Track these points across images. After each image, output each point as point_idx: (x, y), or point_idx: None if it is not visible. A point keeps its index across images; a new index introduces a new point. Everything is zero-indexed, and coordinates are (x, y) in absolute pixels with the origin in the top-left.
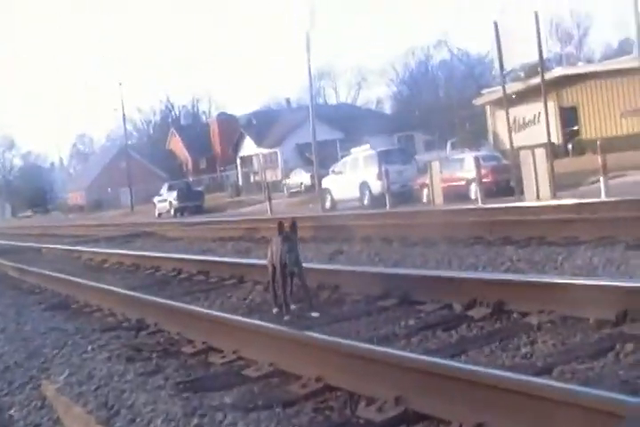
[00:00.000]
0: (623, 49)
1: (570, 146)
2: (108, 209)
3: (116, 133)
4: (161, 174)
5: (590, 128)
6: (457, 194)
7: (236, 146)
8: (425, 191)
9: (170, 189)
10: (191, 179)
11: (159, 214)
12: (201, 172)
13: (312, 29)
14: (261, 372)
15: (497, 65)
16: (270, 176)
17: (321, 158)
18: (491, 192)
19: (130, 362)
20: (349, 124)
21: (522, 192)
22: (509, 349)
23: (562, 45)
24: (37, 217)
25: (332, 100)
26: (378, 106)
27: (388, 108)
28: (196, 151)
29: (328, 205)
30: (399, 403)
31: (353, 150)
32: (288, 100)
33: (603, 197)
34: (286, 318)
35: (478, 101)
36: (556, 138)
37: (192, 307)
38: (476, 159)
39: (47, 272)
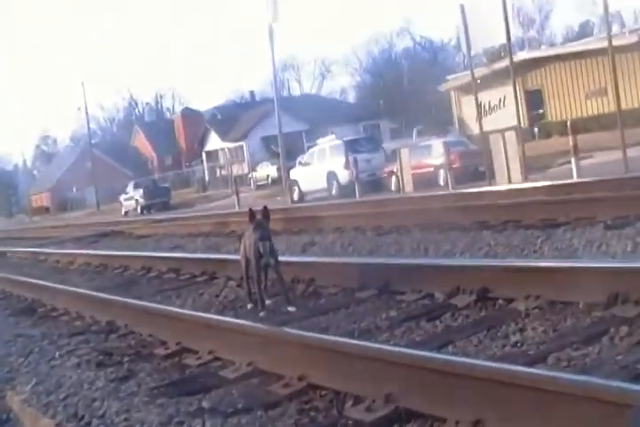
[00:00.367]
0: (584, 31)
1: (536, 129)
2: (74, 210)
3: (80, 133)
4: (126, 172)
5: (555, 111)
6: (425, 181)
7: (202, 141)
8: (393, 179)
9: (136, 186)
10: (157, 176)
11: (126, 213)
12: (167, 168)
13: (275, 21)
14: (240, 372)
15: (462, 50)
16: (237, 170)
17: (287, 150)
18: (460, 178)
19: (100, 368)
20: (314, 114)
21: (493, 176)
22: (498, 337)
23: (524, 30)
24: (1, 220)
25: (297, 92)
26: (342, 96)
27: (352, 98)
28: (161, 148)
29: (296, 196)
30: (389, 401)
31: (319, 141)
32: (252, 94)
33: (575, 179)
34: (262, 313)
35: (443, 88)
36: (522, 121)
37: (163, 306)
38: (445, 145)
39: (12, 276)
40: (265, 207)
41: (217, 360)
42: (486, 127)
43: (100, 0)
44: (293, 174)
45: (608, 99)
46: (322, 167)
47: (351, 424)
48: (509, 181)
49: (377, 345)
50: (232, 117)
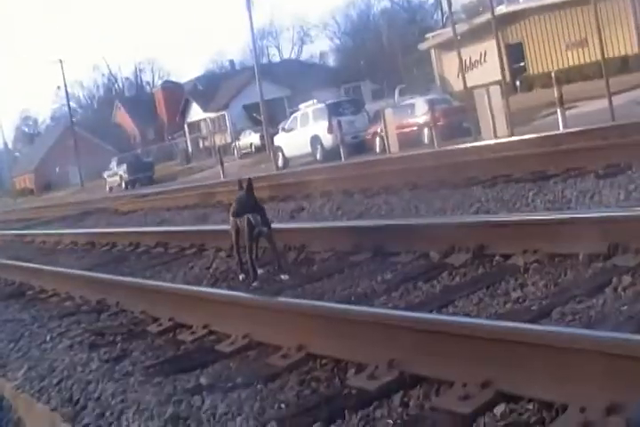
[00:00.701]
0: None
1: (518, 82)
2: (58, 189)
3: (61, 112)
4: (109, 149)
5: (537, 63)
6: (410, 140)
7: (183, 113)
8: (378, 140)
9: (119, 162)
10: (140, 150)
11: (110, 189)
12: (150, 142)
13: None
14: (236, 346)
15: (440, 7)
16: (220, 140)
17: (270, 117)
18: (445, 135)
19: (93, 349)
20: (295, 80)
21: (478, 132)
22: (499, 295)
23: None
24: None
25: (276, 59)
26: (322, 60)
27: (332, 62)
28: (142, 122)
29: (280, 163)
30: (392, 367)
31: (301, 106)
32: (232, 63)
33: (562, 129)
34: (255, 283)
35: (423, 46)
36: (504, 75)
37: (154, 282)
38: (430, 102)
39: None
40: (249, 179)
41: (212, 334)
42: (468, 83)
43: None
44: (276, 141)
45: (589, 49)
46: (305, 132)
47: (355, 393)
48: (495, 136)
49: (376, 309)
50: (213, 88)
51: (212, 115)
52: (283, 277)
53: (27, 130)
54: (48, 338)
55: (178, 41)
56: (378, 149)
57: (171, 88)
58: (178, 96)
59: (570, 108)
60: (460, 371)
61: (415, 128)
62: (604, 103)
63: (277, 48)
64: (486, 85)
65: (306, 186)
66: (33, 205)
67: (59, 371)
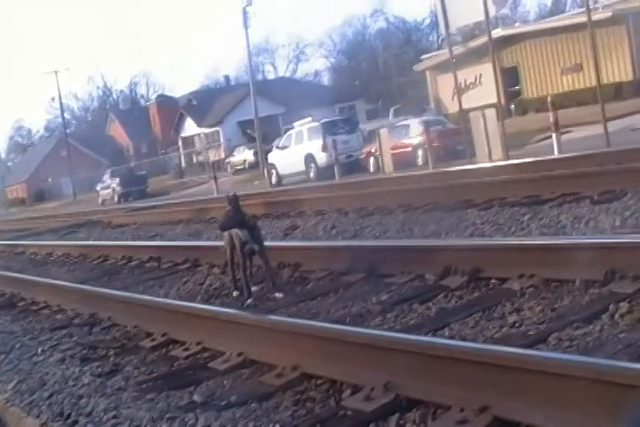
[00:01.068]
0: (557, 8)
1: (512, 106)
2: (51, 200)
3: (55, 123)
4: (102, 161)
5: (531, 87)
6: (404, 161)
7: (177, 127)
8: (371, 160)
9: (112, 175)
10: (133, 164)
11: (103, 202)
12: (143, 156)
13: (249, 5)
14: (230, 363)
15: (437, 29)
16: (213, 155)
17: (264, 134)
18: (440, 157)
19: (85, 362)
20: (290, 97)
21: (473, 154)
22: (495, 318)
23: (497, 8)
24: None
25: (271, 76)
26: (316, 78)
27: (327, 80)
28: (136, 136)
29: (274, 180)
30: (389, 389)
31: (296, 124)
32: (227, 78)
33: (557, 154)
34: (249, 301)
35: (418, 67)
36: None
37: (147, 297)
38: (426, 124)
39: None
40: (234, 195)
41: (206, 351)
42: (464, 106)
43: None
44: (271, 158)
45: (584, 74)
46: (299, 150)
47: (351, 415)
48: (490, 159)
49: (372, 331)
50: (207, 103)
51: (207, 130)
52: (277, 295)
53: (20, 140)
54: (39, 351)
55: (173, 55)
56: (372, 169)
57: (165, 102)
58: (172, 110)
59: (564, 133)
60: (457, 395)
61: (409, 149)
62: (598, 129)
63: (273, 65)
64: (481, 108)
65: (300, 204)
66: (25, 216)
67: (50, 384)
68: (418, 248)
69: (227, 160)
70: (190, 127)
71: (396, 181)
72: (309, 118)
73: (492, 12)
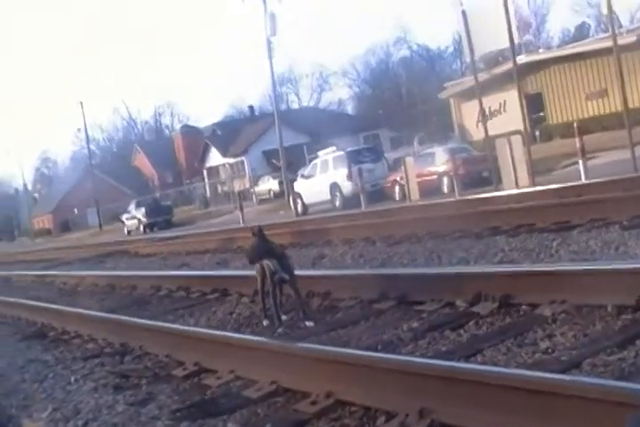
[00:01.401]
0: (580, 33)
1: (537, 132)
2: (76, 231)
3: (80, 154)
4: (127, 192)
5: (556, 113)
6: (430, 189)
7: (202, 157)
8: (397, 188)
9: (138, 205)
10: (158, 194)
11: (129, 232)
12: (168, 186)
13: (273, 35)
14: (264, 391)
15: (461, 56)
16: (238, 185)
17: (288, 163)
18: (465, 184)
19: (118, 391)
20: (314, 127)
21: (499, 181)
22: (527, 344)
23: (520, 34)
24: (3, 244)
25: (295, 106)
26: (340, 107)
27: (350, 109)
28: (161, 166)
29: (300, 209)
30: (424, 416)
31: (320, 153)
32: (252, 108)
33: (584, 180)
34: (279, 330)
35: (443, 95)
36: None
37: (178, 326)
38: (451, 151)
39: (19, 300)
40: (259, 227)
41: (238, 379)
42: (489, 132)
43: (96, 18)
44: (296, 187)
45: (608, 100)
46: (324, 179)
47: None
48: (517, 186)
49: (405, 357)
50: (232, 133)
51: (231, 160)
52: (308, 323)
53: (46, 171)
54: (72, 380)
55: (198, 86)
56: (397, 197)
57: (190, 132)
58: (197, 141)
59: (590, 158)
60: (492, 421)
61: (435, 177)
62: (622, 154)
63: (296, 95)
64: (507, 135)
65: (327, 233)
66: (51, 246)
67: (84, 413)
68: (447, 275)
69: (251, 190)
70: (215, 157)
71: (423, 209)
72: (334, 147)
73: (517, 39)
